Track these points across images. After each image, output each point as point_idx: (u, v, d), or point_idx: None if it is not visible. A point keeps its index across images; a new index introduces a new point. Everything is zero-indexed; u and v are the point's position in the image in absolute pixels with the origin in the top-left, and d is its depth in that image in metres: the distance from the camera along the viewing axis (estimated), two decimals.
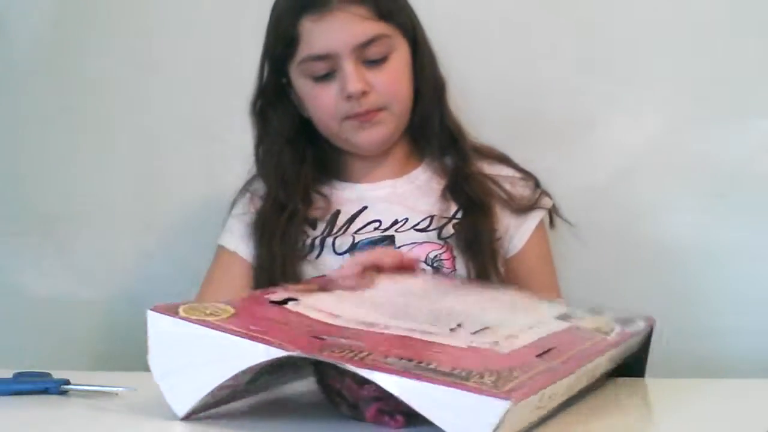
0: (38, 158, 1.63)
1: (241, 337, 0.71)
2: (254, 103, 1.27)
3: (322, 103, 1.21)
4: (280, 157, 1.26)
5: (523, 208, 1.25)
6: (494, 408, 0.62)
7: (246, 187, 1.30)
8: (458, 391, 0.64)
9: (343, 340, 0.72)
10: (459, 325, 0.79)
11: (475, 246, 1.19)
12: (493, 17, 1.47)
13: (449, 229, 1.21)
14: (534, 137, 1.43)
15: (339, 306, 0.81)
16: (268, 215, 1.24)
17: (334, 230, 1.23)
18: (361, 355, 0.69)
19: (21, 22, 1.63)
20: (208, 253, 1.31)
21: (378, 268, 0.98)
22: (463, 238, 1.20)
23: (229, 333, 0.72)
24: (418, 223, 1.22)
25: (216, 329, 0.72)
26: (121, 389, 0.86)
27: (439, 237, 1.21)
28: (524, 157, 1.30)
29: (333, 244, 1.21)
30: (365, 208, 1.24)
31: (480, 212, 1.22)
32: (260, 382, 0.79)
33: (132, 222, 1.60)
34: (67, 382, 0.88)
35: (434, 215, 1.22)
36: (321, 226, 1.24)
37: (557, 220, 1.29)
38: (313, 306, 0.81)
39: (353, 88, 1.17)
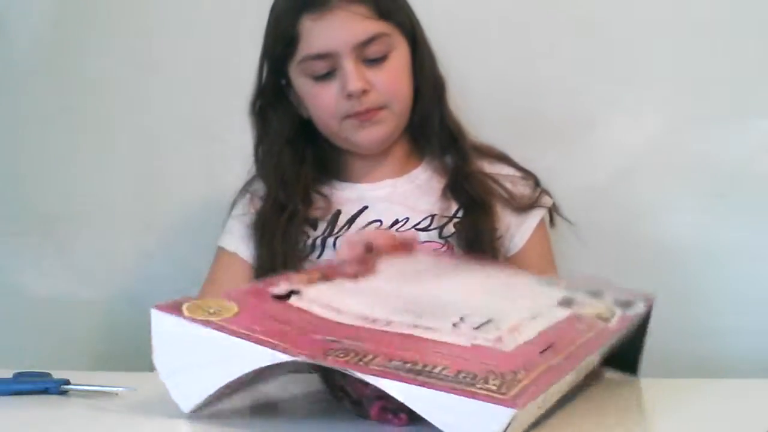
0: (38, 158, 1.63)
1: (247, 340, 0.71)
2: (254, 104, 1.27)
3: (322, 102, 1.21)
4: (280, 157, 1.26)
5: (523, 207, 1.25)
6: (499, 415, 0.63)
7: (246, 188, 1.30)
8: (463, 398, 0.64)
9: (346, 342, 0.72)
10: (461, 319, 0.79)
11: (476, 245, 1.19)
12: (492, 17, 1.47)
13: (450, 228, 1.21)
14: (534, 137, 1.43)
15: (341, 299, 0.81)
16: (268, 216, 1.24)
17: (335, 230, 1.23)
18: (366, 359, 0.69)
19: (21, 22, 1.63)
20: (208, 253, 1.31)
21: (374, 249, 0.97)
22: (464, 237, 1.20)
23: (234, 336, 0.72)
24: (419, 223, 1.22)
25: (221, 331, 0.72)
26: (121, 389, 0.85)
27: (440, 236, 1.21)
28: (524, 157, 1.30)
29: (334, 244, 1.21)
30: (366, 207, 1.24)
31: (481, 211, 1.22)
32: (261, 374, 0.79)
33: (132, 222, 1.60)
34: (67, 382, 0.88)
35: (435, 214, 1.22)
36: (322, 226, 1.24)
37: (557, 219, 1.29)
38: (315, 300, 0.81)
39: (353, 86, 1.18)
